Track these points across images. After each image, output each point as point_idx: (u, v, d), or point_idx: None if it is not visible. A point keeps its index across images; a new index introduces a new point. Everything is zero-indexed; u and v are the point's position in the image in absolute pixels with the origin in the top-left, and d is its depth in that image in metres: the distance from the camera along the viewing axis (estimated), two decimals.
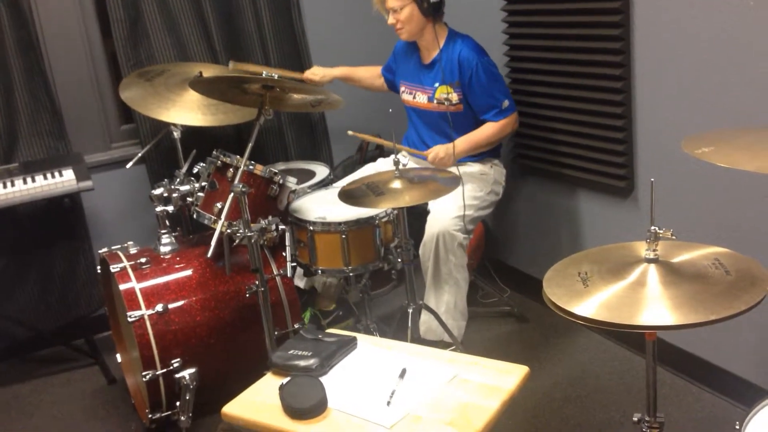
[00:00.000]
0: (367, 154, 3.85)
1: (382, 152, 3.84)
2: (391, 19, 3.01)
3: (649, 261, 1.67)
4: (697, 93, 2.54)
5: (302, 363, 2.01)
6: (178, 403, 2.62)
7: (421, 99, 3.15)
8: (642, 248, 1.71)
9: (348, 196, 2.60)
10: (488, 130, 3.05)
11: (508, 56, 3.33)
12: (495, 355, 2.07)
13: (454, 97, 3.03)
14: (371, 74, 3.48)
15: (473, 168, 3.13)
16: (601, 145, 2.95)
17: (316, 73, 3.48)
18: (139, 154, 3.37)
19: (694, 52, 2.52)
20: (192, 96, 3.09)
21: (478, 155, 3.13)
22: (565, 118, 3.09)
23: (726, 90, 2.44)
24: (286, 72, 3.50)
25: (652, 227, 1.68)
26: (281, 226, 2.67)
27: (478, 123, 3.07)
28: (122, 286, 2.69)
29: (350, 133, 3.07)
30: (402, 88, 3.25)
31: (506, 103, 3.02)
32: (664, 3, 2.57)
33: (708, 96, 2.51)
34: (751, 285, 1.56)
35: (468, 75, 2.97)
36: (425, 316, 2.95)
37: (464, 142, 3.04)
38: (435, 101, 3.08)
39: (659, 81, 2.67)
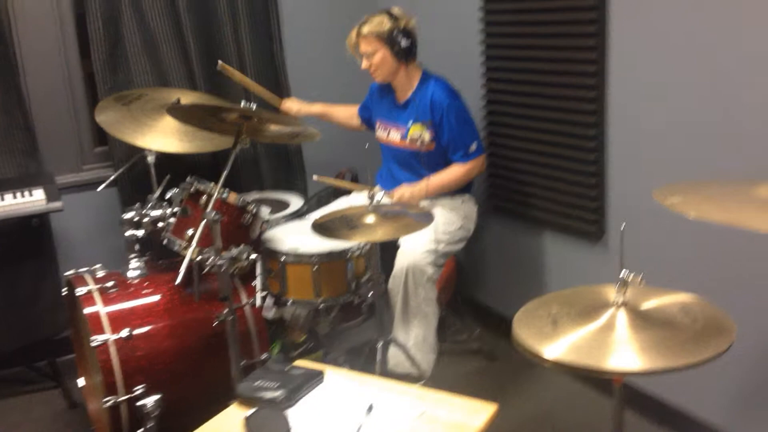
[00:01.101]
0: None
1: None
2: (365, 64, 3.07)
3: (618, 306, 1.69)
4: (669, 142, 2.59)
5: (268, 394, 1.99)
6: (140, 431, 2.57)
7: (394, 137, 3.18)
8: (611, 292, 1.73)
9: (321, 228, 2.60)
10: (455, 172, 3.09)
11: (486, 98, 3.38)
12: (463, 391, 2.06)
13: (427, 136, 3.07)
14: (348, 113, 3.52)
15: (444, 203, 3.15)
16: (573, 189, 2.99)
17: (293, 105, 3.51)
18: (112, 177, 3.34)
19: (668, 101, 2.57)
20: (169, 122, 3.08)
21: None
22: (539, 161, 3.13)
23: (698, 141, 2.49)
24: (267, 93, 3.51)
25: (622, 272, 1.70)
26: (252, 255, 2.65)
27: (449, 162, 3.11)
28: (87, 310, 2.64)
29: (315, 178, 3.08)
30: (377, 125, 3.29)
31: (474, 146, 3.06)
32: (639, 51, 2.63)
33: (680, 146, 2.56)
34: (718, 333, 1.58)
35: (439, 116, 3.02)
36: (394, 349, 2.94)
37: (431, 183, 3.07)
38: (408, 139, 3.11)
39: (632, 128, 2.72)
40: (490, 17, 3.26)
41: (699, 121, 2.47)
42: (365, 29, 3.01)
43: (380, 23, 3.00)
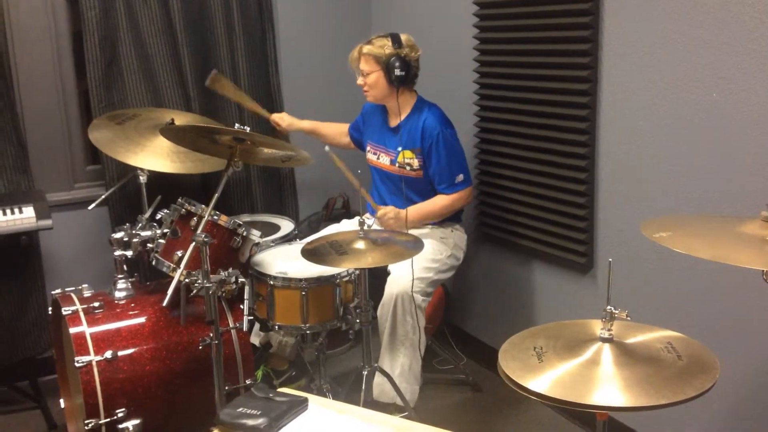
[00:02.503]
0: (333, 212, 3.86)
1: (347, 213, 3.85)
2: (359, 80, 3.10)
3: (604, 340, 1.69)
4: (658, 177, 2.61)
5: (250, 422, 1.97)
6: None
7: (384, 160, 3.19)
8: (597, 327, 1.73)
9: (310, 253, 2.59)
10: (439, 202, 3.10)
11: (478, 127, 3.39)
12: (447, 423, 2.05)
13: (415, 162, 3.08)
14: (338, 131, 3.53)
15: (434, 231, 3.15)
16: (563, 221, 3.00)
17: (284, 118, 3.53)
18: (103, 196, 3.34)
19: (658, 136, 2.59)
20: (162, 142, 3.08)
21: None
22: (530, 192, 3.13)
23: (688, 176, 2.51)
24: (257, 106, 3.52)
25: (608, 307, 1.70)
26: (241, 279, 2.64)
27: (436, 191, 3.12)
28: (72, 330, 2.62)
29: (327, 149, 3.04)
30: (368, 148, 3.30)
31: (460, 177, 3.06)
32: (630, 86, 2.65)
33: (669, 181, 2.57)
34: (702, 371, 1.58)
35: (429, 143, 3.03)
36: (379, 378, 2.92)
37: (415, 211, 3.09)
38: (397, 164, 3.13)
39: (623, 162, 2.74)
40: (484, 46, 3.29)
41: (688, 155, 2.49)
42: (366, 48, 3.04)
43: (382, 46, 3.02)
